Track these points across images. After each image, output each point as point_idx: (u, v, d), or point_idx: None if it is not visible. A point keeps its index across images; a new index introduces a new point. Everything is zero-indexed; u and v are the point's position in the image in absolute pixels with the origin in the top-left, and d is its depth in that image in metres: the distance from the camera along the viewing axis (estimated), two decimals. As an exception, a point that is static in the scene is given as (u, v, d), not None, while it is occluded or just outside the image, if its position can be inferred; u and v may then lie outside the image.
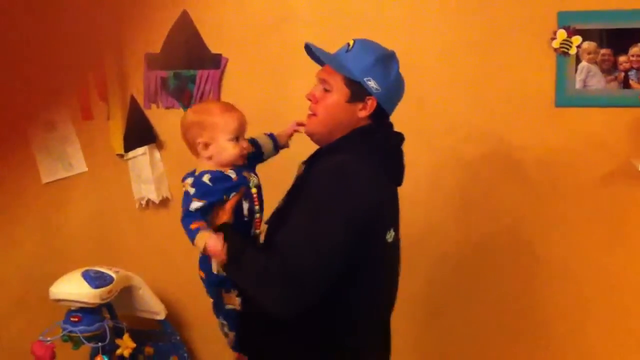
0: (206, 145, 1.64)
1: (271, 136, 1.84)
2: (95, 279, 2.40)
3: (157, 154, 2.72)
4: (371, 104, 1.65)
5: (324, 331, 1.61)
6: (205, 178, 1.61)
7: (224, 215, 1.59)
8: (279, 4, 2.56)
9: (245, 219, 1.66)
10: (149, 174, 2.71)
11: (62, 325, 2.43)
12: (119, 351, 2.48)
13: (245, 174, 1.67)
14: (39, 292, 2.55)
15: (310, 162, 1.74)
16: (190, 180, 1.62)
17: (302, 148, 1.75)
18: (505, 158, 2.42)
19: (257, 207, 1.68)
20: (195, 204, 1.57)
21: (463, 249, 2.49)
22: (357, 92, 1.65)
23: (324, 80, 1.68)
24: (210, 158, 1.64)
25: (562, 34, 2.26)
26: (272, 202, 1.74)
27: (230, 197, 1.61)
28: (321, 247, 1.51)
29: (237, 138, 1.65)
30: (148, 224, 2.78)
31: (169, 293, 2.74)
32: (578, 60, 2.26)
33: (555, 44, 2.27)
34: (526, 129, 2.36)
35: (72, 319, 2.41)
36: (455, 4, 2.39)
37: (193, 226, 1.55)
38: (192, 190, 1.59)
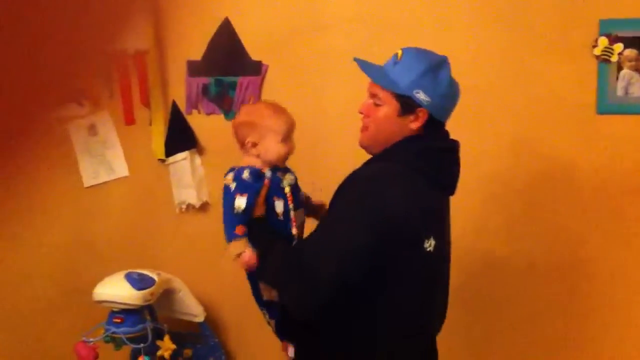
0: (254, 145, 1.72)
1: (308, 199, 1.89)
2: (138, 281, 2.45)
3: (197, 159, 2.77)
4: (422, 115, 1.66)
5: (356, 338, 1.64)
6: (245, 174, 1.69)
7: (257, 210, 1.66)
8: (319, 12, 2.60)
9: (280, 218, 1.71)
10: (189, 179, 2.76)
11: (105, 326, 2.48)
12: (159, 352, 2.52)
13: (279, 174, 1.74)
14: (81, 293, 2.61)
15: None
16: (231, 175, 1.71)
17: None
18: (546, 165, 2.43)
19: (291, 206, 1.72)
20: (239, 201, 1.65)
21: (507, 257, 2.50)
22: (407, 105, 1.66)
23: (374, 95, 1.71)
24: (257, 156, 1.73)
25: (603, 41, 2.27)
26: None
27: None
28: (339, 246, 1.55)
29: (285, 139, 1.72)
30: (188, 227, 2.83)
31: (208, 296, 2.79)
32: (619, 67, 2.28)
33: (597, 51, 2.28)
34: (568, 136, 2.38)
35: (114, 320, 2.46)
36: (495, 11, 2.41)
37: (238, 231, 1.64)
38: (233, 185, 1.68)
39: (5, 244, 2.96)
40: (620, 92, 2.28)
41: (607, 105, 2.29)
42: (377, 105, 1.70)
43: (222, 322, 2.85)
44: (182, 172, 2.77)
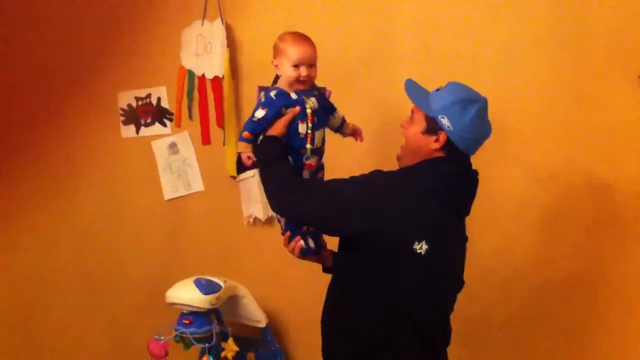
0: (277, 67, 2.04)
1: (343, 119, 2.20)
2: (206, 286, 2.64)
3: (265, 177, 2.98)
4: (442, 138, 1.89)
5: (358, 320, 1.89)
6: (272, 92, 2.02)
7: (278, 126, 1.97)
8: (382, 42, 2.75)
9: (301, 136, 2.00)
10: (257, 195, 2.97)
11: (175, 326, 2.66)
12: (223, 353, 2.70)
13: (305, 97, 2.01)
14: (158, 296, 2.80)
15: None
16: (264, 92, 2.05)
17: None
18: (597, 192, 2.50)
19: (310, 125, 2.00)
20: (259, 113, 1.99)
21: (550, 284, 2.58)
22: (432, 126, 1.90)
23: (412, 112, 1.99)
24: (281, 77, 2.05)
25: (651, 70, 2.34)
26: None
27: (286, 112, 1.98)
28: (334, 189, 1.88)
29: (296, 65, 1.99)
30: (255, 239, 3.03)
31: (270, 303, 2.96)
32: (665, 96, 2.33)
33: (646, 79, 2.35)
34: (617, 162, 2.44)
35: (184, 321, 2.64)
36: (550, 44, 2.50)
37: (245, 135, 2.00)
38: (262, 99, 2.03)
39: (98, 250, 3.27)
40: (665, 121, 2.34)
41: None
42: (411, 122, 1.97)
43: (284, 328, 3.02)
44: (250, 188, 2.98)
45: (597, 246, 2.53)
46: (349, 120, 2.21)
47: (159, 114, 3.13)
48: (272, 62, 2.06)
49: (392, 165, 2.65)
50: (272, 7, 2.89)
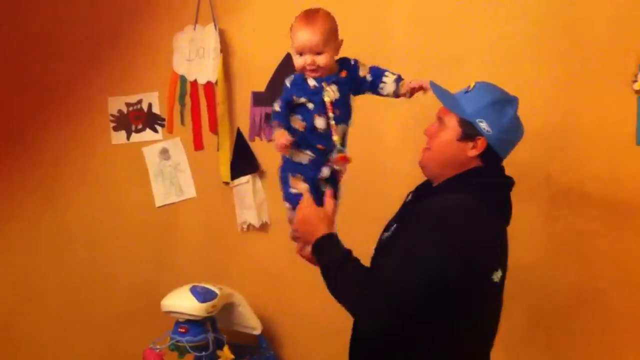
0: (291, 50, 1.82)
1: (397, 81, 1.88)
2: (202, 294, 2.62)
3: (259, 183, 2.96)
4: (481, 144, 1.72)
5: None
6: (288, 80, 1.82)
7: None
8: (376, 44, 2.70)
9: (321, 131, 1.77)
10: (251, 201, 2.95)
11: (171, 335, 2.65)
12: (219, 361, 2.69)
13: (324, 84, 1.77)
14: (151, 304, 2.79)
15: (419, 196, 1.84)
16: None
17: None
18: (587, 194, 2.51)
19: (332, 115, 1.76)
20: (276, 105, 1.80)
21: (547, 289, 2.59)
22: (469, 131, 1.73)
23: (441, 118, 1.79)
24: None
25: (643, 77, 2.36)
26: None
27: (299, 100, 1.77)
28: (419, 265, 1.56)
29: (299, 52, 1.77)
30: (249, 246, 3.01)
31: (265, 310, 2.94)
32: (658, 102, 2.36)
33: (637, 86, 2.36)
34: (608, 166, 2.45)
35: (179, 329, 2.63)
36: (545, 45, 2.51)
37: (275, 124, 1.78)
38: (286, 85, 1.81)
39: (87, 257, 3.23)
40: (659, 125, 2.36)
41: (647, 137, 2.38)
42: (441, 128, 1.78)
43: (278, 335, 3.00)
44: (244, 195, 2.96)
45: (594, 251, 2.54)
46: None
47: (150, 120, 3.09)
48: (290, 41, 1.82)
49: (386, 168, 2.73)
50: (265, 11, 2.87)
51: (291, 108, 1.79)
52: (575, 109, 2.48)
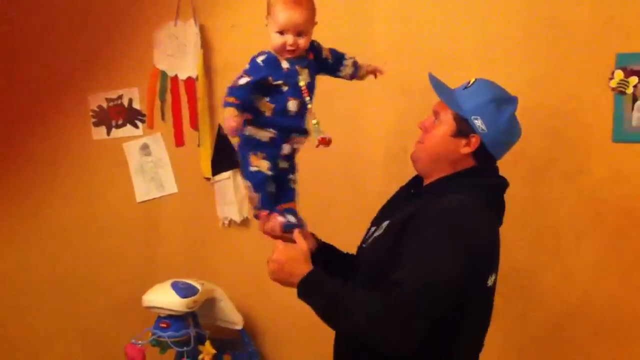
0: (267, 26, 1.76)
1: (355, 64, 1.90)
2: (183, 290, 2.63)
3: (239, 178, 2.94)
4: (474, 142, 1.69)
5: None
6: (260, 58, 1.75)
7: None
8: (360, 41, 2.70)
9: (294, 114, 1.75)
10: (232, 196, 2.96)
11: (152, 330, 2.66)
12: (200, 357, 2.69)
13: (298, 67, 1.75)
14: (132, 299, 2.81)
15: (412, 194, 1.81)
16: (252, 57, 1.77)
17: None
18: (564, 187, 2.55)
19: (307, 99, 1.75)
20: (243, 79, 1.71)
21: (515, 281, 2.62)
22: (463, 128, 1.70)
23: (437, 113, 1.77)
24: None
25: (619, 74, 2.39)
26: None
27: (275, 82, 1.71)
28: (442, 282, 1.51)
29: (282, 32, 1.73)
30: (230, 241, 3.02)
31: (247, 305, 2.95)
32: (635, 99, 2.39)
33: (613, 83, 2.40)
34: (585, 162, 2.49)
35: (161, 325, 2.64)
36: (519, 43, 2.54)
37: (231, 100, 1.68)
38: (247, 66, 1.75)
39: (68, 253, 3.22)
40: (635, 122, 2.39)
41: (622, 133, 2.41)
42: (436, 123, 1.75)
43: (260, 330, 3.01)
44: (225, 190, 2.97)
45: (573, 246, 2.57)
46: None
47: (131, 116, 3.09)
48: (265, 18, 1.77)
49: (374, 162, 2.75)
50: (246, 7, 2.87)
51: (260, 89, 1.74)
52: (552, 106, 2.52)
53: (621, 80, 2.39)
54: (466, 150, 1.71)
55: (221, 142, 2.97)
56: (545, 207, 2.56)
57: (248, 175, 1.83)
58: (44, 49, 3.14)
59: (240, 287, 2.97)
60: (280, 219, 1.81)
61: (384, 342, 1.50)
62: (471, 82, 1.76)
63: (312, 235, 1.92)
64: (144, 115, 3.08)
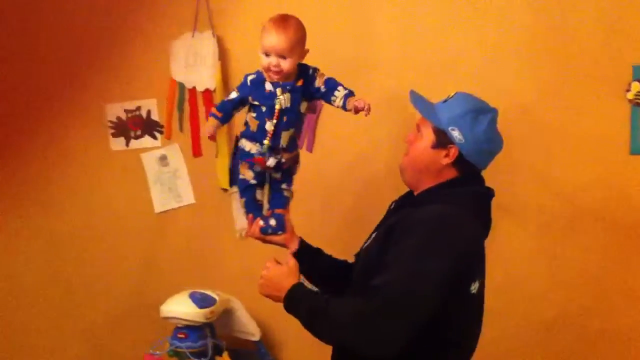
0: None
1: (346, 96, 1.97)
2: (201, 300, 2.64)
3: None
4: (453, 152, 1.75)
5: None
6: (250, 77, 1.98)
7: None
8: (367, 52, 2.77)
9: (265, 131, 1.94)
10: (249, 207, 2.98)
11: (170, 340, 2.67)
12: (218, 367, 2.71)
13: (279, 90, 1.91)
14: (150, 309, 2.82)
15: (401, 206, 1.88)
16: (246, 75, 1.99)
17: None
18: (580, 201, 2.54)
19: (274, 121, 1.92)
20: (233, 94, 1.99)
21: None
22: (442, 140, 1.76)
23: (418, 126, 1.85)
24: None
25: (636, 86, 2.40)
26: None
27: (254, 102, 1.94)
28: (419, 287, 1.56)
29: (265, 53, 1.90)
30: (246, 252, 3.00)
31: (264, 316, 2.95)
32: (651, 110, 2.39)
33: (630, 95, 2.40)
34: (602, 175, 2.49)
35: (179, 335, 2.65)
36: (534, 52, 2.54)
37: (213, 111, 2.01)
38: (241, 82, 1.98)
39: (86, 263, 3.24)
40: (652, 133, 2.40)
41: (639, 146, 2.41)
42: (418, 136, 1.83)
43: (277, 341, 3.02)
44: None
45: (589, 260, 2.56)
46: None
47: (149, 127, 3.12)
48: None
49: (378, 172, 2.76)
50: (263, 18, 2.86)
51: (245, 105, 1.99)
52: (569, 119, 2.52)
53: (638, 92, 2.39)
54: (446, 160, 1.77)
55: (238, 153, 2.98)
56: (562, 222, 2.56)
57: (236, 182, 2.14)
58: (63, 60, 3.17)
59: (257, 298, 2.91)
60: (261, 223, 2.10)
61: (364, 346, 1.56)
62: (451, 96, 1.82)
63: (299, 238, 2.12)
64: (161, 127, 3.10)
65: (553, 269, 2.59)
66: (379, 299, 1.55)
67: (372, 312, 1.55)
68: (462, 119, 1.75)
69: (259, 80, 1.95)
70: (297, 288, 1.78)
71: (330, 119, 2.85)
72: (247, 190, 2.10)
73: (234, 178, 2.06)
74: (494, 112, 1.80)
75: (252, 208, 2.12)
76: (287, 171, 2.11)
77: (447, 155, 1.77)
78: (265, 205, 2.16)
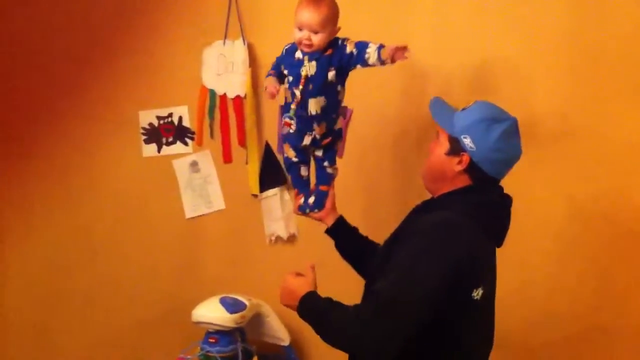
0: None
1: (379, 48, 2.03)
2: (232, 305, 2.66)
3: (286, 195, 3.00)
4: (465, 160, 1.77)
5: None
6: (287, 46, 2.18)
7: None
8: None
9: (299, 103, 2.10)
10: (278, 213, 3.00)
11: (201, 345, 2.69)
12: (248, 372, 2.72)
13: (306, 59, 2.06)
14: (180, 314, 2.86)
15: (415, 211, 1.91)
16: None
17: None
18: (625, 210, 2.52)
19: (301, 87, 2.07)
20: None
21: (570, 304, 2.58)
22: (455, 147, 1.79)
23: (437, 133, 1.89)
24: None
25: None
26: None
27: (284, 69, 2.15)
28: (417, 291, 1.59)
29: (300, 28, 2.04)
30: (277, 257, 3.04)
31: (293, 321, 2.92)
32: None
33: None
34: (628, 182, 2.48)
35: (210, 339, 2.67)
36: (564, 60, 2.54)
37: (270, 72, 2.21)
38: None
39: (117, 268, 3.28)
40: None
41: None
42: (437, 143, 1.87)
43: (307, 346, 3.03)
44: (272, 207, 3.01)
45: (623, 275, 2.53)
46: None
47: (181, 133, 3.15)
48: None
49: (392, 175, 2.77)
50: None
51: (283, 77, 2.17)
52: (599, 127, 2.50)
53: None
54: (458, 167, 1.79)
55: (268, 159, 3.01)
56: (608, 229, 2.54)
57: (284, 161, 2.36)
58: (98, 67, 3.21)
59: (287, 303, 2.97)
60: (301, 201, 2.30)
61: (365, 349, 1.60)
62: (470, 104, 1.85)
63: (337, 215, 2.26)
64: (193, 133, 3.13)
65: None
66: (373, 303, 1.61)
67: (366, 316, 1.59)
68: (475, 127, 1.76)
69: (292, 50, 2.12)
70: (309, 295, 1.81)
71: (359, 126, 2.86)
72: (291, 168, 2.31)
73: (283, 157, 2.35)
74: (510, 121, 1.79)
75: (298, 184, 2.32)
76: (328, 148, 2.26)
77: (459, 163, 1.79)
78: (313, 181, 2.32)
